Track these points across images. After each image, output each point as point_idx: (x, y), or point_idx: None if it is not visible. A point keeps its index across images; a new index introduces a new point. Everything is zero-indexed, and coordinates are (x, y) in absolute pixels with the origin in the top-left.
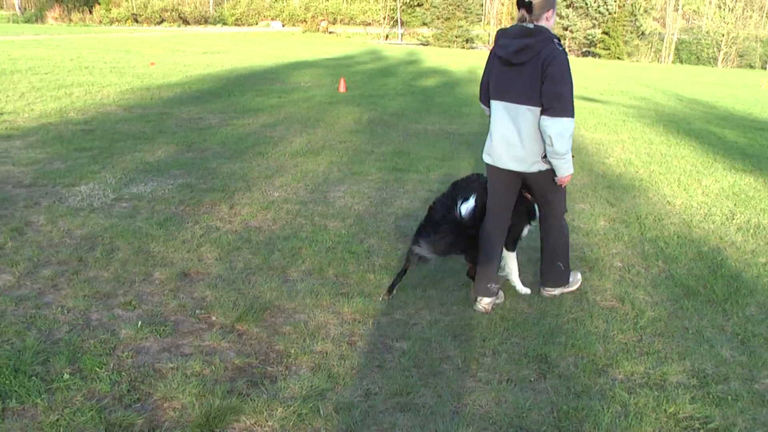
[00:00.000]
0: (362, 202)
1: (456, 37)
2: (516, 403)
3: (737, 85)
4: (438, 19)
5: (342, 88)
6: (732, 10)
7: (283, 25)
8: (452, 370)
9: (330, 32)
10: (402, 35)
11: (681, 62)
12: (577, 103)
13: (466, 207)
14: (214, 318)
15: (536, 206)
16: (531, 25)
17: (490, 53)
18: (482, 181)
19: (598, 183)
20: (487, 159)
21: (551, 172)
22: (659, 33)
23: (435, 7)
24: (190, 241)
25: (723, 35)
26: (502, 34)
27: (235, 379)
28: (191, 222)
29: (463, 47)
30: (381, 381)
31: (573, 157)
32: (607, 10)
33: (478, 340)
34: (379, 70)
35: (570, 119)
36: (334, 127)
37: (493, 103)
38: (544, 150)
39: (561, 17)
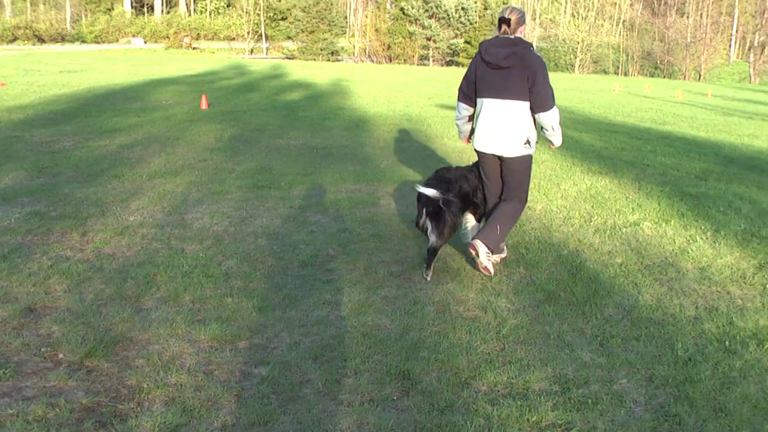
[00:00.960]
0: (221, 223)
1: (321, 49)
2: (379, 425)
3: (593, 90)
4: (302, 32)
5: (204, 105)
6: (585, 18)
7: (145, 42)
8: (313, 394)
9: (194, 48)
10: (267, 49)
11: None
12: (439, 112)
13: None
14: (61, 355)
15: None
16: (512, 36)
17: (474, 60)
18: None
19: None
20: (478, 147)
21: (527, 158)
22: None
23: (299, 20)
24: (37, 273)
25: (578, 43)
26: (489, 44)
27: (82, 421)
28: (39, 252)
29: (329, 60)
30: (238, 411)
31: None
32: (468, 20)
33: (339, 360)
34: (242, 85)
35: (555, 108)
36: (194, 145)
37: (485, 101)
38: (525, 137)
39: (424, 27)
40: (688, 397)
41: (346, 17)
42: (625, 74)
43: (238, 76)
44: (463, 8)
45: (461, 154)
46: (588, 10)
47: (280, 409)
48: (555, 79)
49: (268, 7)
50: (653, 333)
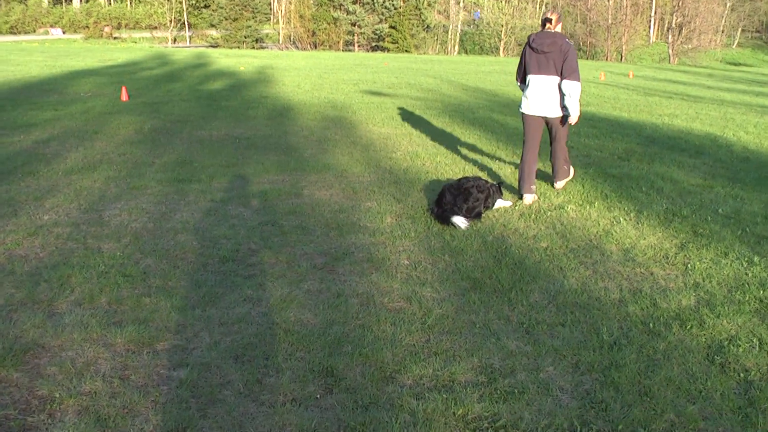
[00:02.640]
0: (140, 219)
1: (245, 37)
2: (301, 425)
3: None
4: (226, 20)
5: (124, 97)
6: (509, 1)
7: (64, 32)
8: (233, 396)
9: (115, 38)
10: (190, 38)
11: (466, 53)
12: (365, 98)
13: (458, 219)
14: None
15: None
16: (552, 31)
17: (525, 48)
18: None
19: (385, 179)
20: (525, 110)
21: (563, 118)
22: (444, 25)
23: (222, 8)
24: None
25: (502, 26)
26: (536, 36)
27: None
28: None
29: (253, 47)
30: (155, 418)
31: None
32: (393, 5)
33: (260, 359)
34: (164, 75)
35: (579, 82)
36: (113, 138)
37: (532, 77)
38: (562, 102)
39: (349, 13)
40: (614, 382)
41: (270, 4)
42: None
43: (161, 66)
44: None
45: (386, 140)
46: None
47: (199, 414)
48: (479, 62)
49: None
50: (579, 318)
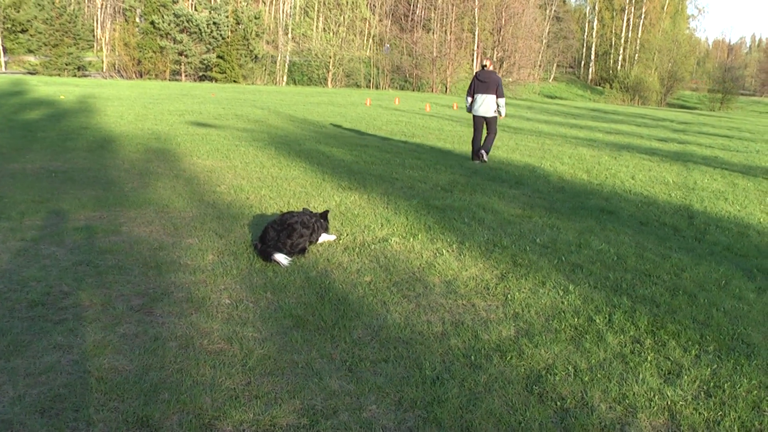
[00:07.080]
0: None
1: (66, 64)
2: None
3: (345, 104)
4: (45, 45)
5: None
6: (336, 33)
7: None
8: None
9: None
10: (6, 63)
11: (295, 83)
12: (190, 129)
13: (280, 257)
14: None
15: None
16: (489, 69)
17: (474, 79)
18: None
19: (208, 214)
20: (475, 113)
21: (496, 117)
22: (272, 56)
23: (40, 33)
24: None
25: (330, 57)
26: (481, 72)
27: None
28: None
29: (75, 75)
30: None
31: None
32: (221, 35)
33: (70, 411)
34: None
35: (504, 97)
36: None
37: (479, 95)
38: (495, 108)
39: (176, 42)
40: (437, 419)
41: (93, 30)
42: (377, 87)
43: None
44: (215, 23)
45: (210, 173)
46: (339, 25)
47: None
48: (308, 93)
49: (5, 18)
50: (402, 353)
